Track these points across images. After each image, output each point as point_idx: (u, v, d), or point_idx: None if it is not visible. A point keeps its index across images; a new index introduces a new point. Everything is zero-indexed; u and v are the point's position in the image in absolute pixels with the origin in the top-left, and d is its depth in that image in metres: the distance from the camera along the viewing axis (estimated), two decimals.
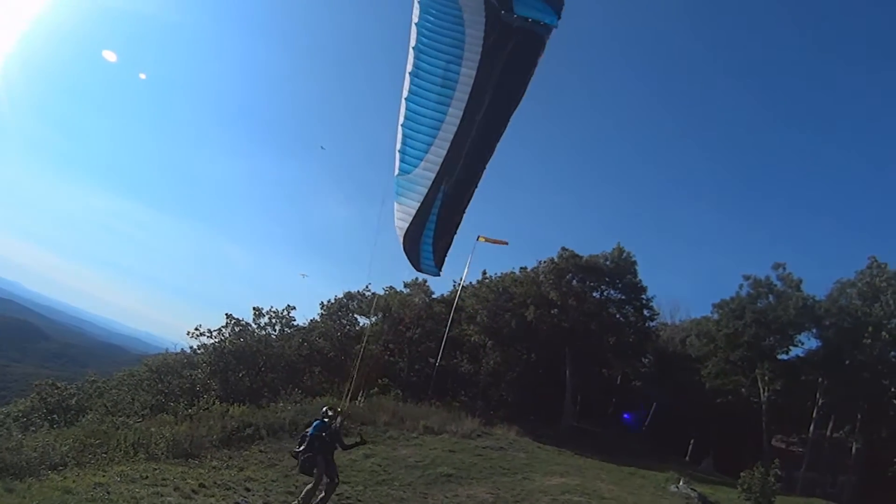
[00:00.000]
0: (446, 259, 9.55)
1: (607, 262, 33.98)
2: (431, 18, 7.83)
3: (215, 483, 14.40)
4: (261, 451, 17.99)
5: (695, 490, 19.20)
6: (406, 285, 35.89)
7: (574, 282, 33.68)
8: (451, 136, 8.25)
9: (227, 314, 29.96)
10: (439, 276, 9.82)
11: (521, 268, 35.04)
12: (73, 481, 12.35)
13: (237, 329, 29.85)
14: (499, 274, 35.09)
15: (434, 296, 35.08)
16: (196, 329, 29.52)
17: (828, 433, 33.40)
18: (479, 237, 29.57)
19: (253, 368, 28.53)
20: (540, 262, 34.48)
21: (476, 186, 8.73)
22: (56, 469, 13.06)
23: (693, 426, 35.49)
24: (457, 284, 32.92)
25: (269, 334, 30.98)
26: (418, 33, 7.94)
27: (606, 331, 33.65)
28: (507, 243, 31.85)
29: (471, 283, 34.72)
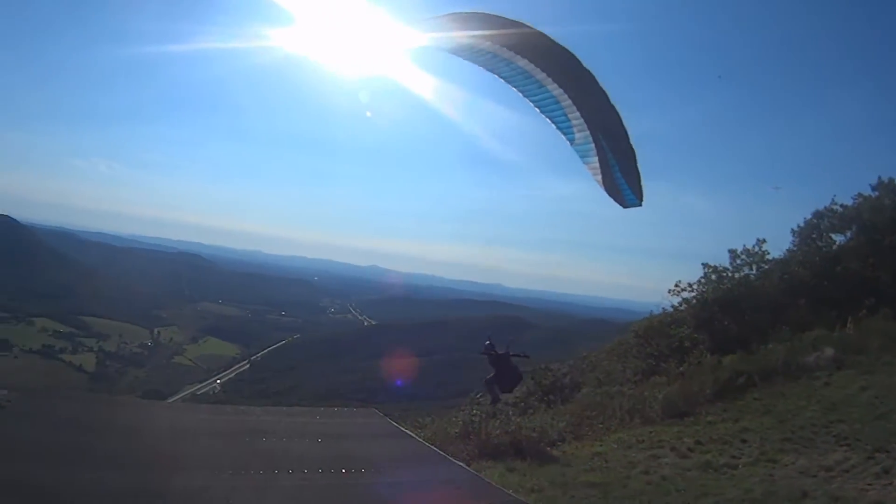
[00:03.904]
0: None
1: None
2: None
3: (711, 438, 14.13)
4: (755, 399, 16.86)
5: None
6: (873, 188, 31.02)
7: None
8: (570, 100, 9.59)
9: (703, 263, 29.23)
10: (640, 205, 10.51)
11: None
12: (572, 453, 13.17)
13: (714, 277, 29.02)
14: None
15: None
16: (676, 286, 29.24)
17: None
18: None
19: (737, 313, 27.41)
20: None
21: (619, 119, 9.70)
22: (555, 445, 14.12)
23: None
24: None
25: (748, 274, 29.48)
26: None
27: None
28: None
29: None
